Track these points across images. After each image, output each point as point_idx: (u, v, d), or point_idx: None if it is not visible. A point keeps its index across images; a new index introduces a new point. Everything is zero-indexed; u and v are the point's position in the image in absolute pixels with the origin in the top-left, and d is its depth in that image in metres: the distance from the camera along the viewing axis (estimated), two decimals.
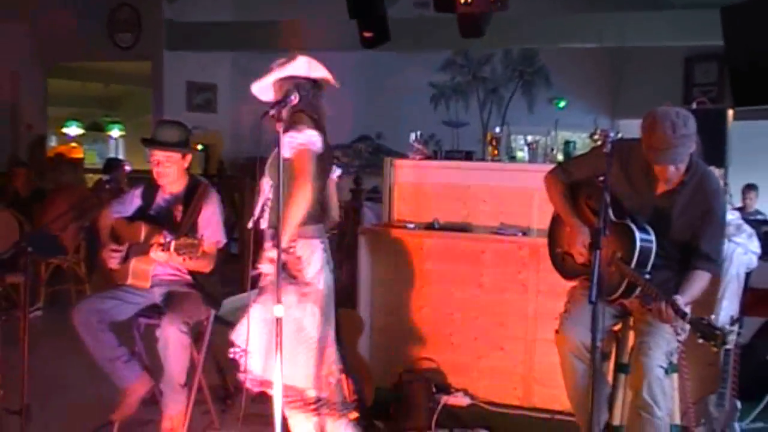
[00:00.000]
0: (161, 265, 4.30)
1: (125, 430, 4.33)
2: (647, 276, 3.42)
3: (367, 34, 8.41)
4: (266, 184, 3.70)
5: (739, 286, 4.33)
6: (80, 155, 13.84)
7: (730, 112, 4.79)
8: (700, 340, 3.20)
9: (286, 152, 3.48)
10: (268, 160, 3.71)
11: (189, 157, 4.45)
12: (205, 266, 4.29)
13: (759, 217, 8.25)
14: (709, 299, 3.46)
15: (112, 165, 9.45)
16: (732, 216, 4.37)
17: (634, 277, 3.43)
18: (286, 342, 3.30)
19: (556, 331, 3.70)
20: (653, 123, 3.37)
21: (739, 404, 4.04)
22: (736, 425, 4.04)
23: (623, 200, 3.63)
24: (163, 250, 4.02)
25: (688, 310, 3.26)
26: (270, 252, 3.57)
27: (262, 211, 3.70)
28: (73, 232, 7.42)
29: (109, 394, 4.31)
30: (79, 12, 12.18)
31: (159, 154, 4.34)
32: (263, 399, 3.48)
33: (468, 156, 5.53)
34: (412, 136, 5.35)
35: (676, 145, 3.34)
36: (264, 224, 3.70)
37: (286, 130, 3.42)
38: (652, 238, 3.50)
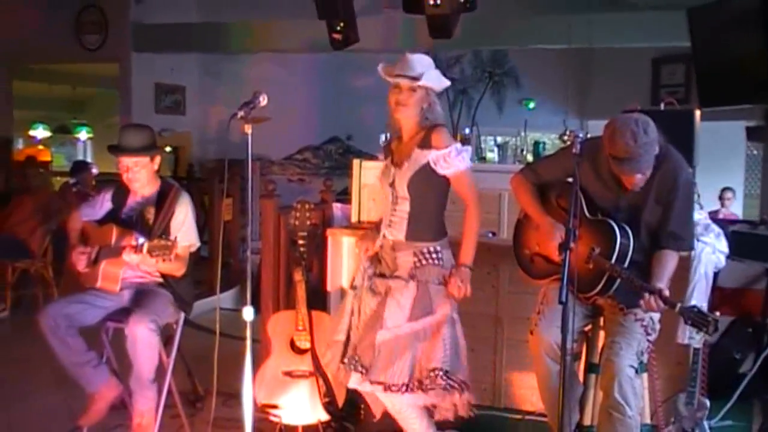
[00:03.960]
0: (131, 268, 4.26)
1: None
2: (627, 271, 3.43)
3: (336, 35, 8.39)
4: (391, 194, 3.81)
5: (707, 285, 4.36)
6: (47, 158, 13.72)
7: (698, 113, 4.83)
8: (687, 331, 3.22)
9: (462, 165, 3.70)
10: (389, 168, 3.85)
11: (158, 159, 4.41)
12: (178, 269, 4.26)
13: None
14: (677, 299, 3.46)
15: (78, 168, 9.37)
16: (700, 216, 4.40)
17: (616, 271, 3.43)
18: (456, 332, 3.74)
19: (531, 332, 3.70)
20: (613, 134, 3.38)
21: (708, 402, 4.07)
22: (705, 423, 4.07)
23: (595, 198, 3.65)
24: (135, 252, 4.00)
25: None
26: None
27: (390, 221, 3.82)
28: (39, 235, 7.36)
29: (76, 399, 4.26)
30: (45, 13, 12.06)
31: (127, 161, 4.30)
32: (233, 403, 3.45)
33: None
34: (382, 138, 5.34)
35: (640, 154, 3.36)
36: (398, 235, 3.78)
37: (437, 147, 3.68)
38: (630, 234, 3.52)
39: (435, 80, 3.76)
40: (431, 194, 3.76)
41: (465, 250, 3.76)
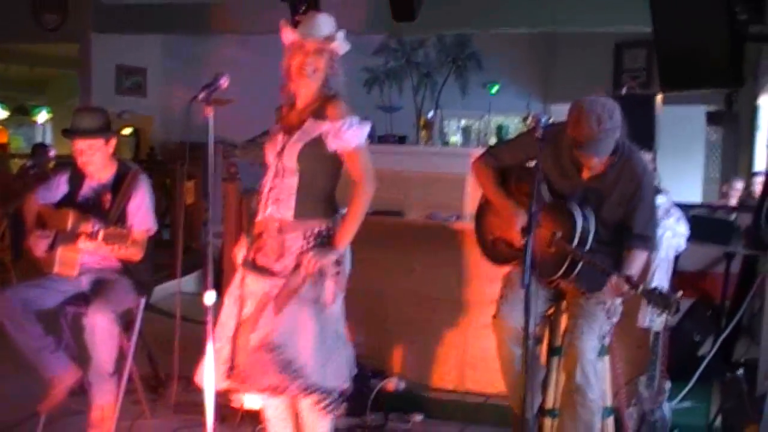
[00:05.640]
0: (89, 252, 4.20)
1: (53, 421, 4.23)
2: (588, 254, 3.46)
3: (298, 18, 8.32)
4: (276, 166, 3.45)
5: (668, 268, 4.40)
6: (4, 140, 13.50)
7: (659, 98, 4.86)
8: (648, 314, 3.25)
9: (354, 141, 3.38)
10: (277, 136, 3.50)
11: (113, 141, 4.34)
12: (135, 254, 4.20)
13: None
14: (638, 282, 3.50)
15: (37, 150, 9.25)
16: (661, 200, 4.43)
17: (577, 254, 3.45)
18: (333, 341, 3.38)
19: (494, 317, 3.71)
20: (579, 115, 3.39)
21: (668, 384, 4.11)
22: (666, 405, 4.11)
23: (554, 183, 3.66)
24: (91, 239, 3.93)
25: None
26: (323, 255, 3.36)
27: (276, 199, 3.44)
28: None
29: (34, 385, 4.20)
30: None
31: (81, 143, 4.23)
32: (194, 387, 3.42)
33: (401, 141, 5.52)
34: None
35: (601, 138, 3.38)
36: (285, 213, 3.42)
37: (333, 118, 3.36)
38: (591, 218, 3.54)
39: (343, 44, 3.45)
40: (322, 169, 3.44)
41: (343, 232, 3.42)
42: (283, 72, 3.47)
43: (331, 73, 3.44)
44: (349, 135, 3.38)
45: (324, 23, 3.43)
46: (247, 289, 3.44)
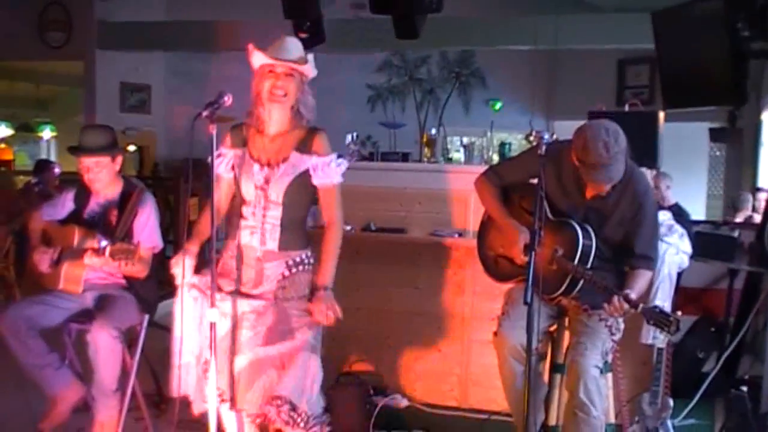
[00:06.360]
0: (93, 269, 4.21)
1: None
2: (590, 272, 3.46)
3: (302, 35, 8.34)
4: (261, 198, 3.42)
5: (671, 285, 4.40)
6: (10, 157, 13.53)
7: (662, 115, 4.87)
8: (651, 331, 3.24)
9: (336, 178, 3.43)
10: (248, 164, 3.44)
11: (119, 158, 4.36)
12: (141, 271, 4.21)
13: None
14: (640, 299, 3.49)
15: (41, 167, 9.26)
16: (664, 216, 4.44)
17: (578, 272, 3.45)
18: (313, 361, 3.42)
19: (495, 333, 3.71)
20: (585, 143, 3.39)
21: (671, 402, 4.10)
22: (669, 422, 4.10)
23: (556, 201, 3.66)
24: (97, 255, 3.94)
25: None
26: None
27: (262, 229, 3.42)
28: (1, 236, 7.24)
29: (37, 402, 4.20)
30: (7, 10, 11.89)
31: (87, 161, 4.25)
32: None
33: (404, 158, 5.53)
34: (349, 138, 5.33)
35: (611, 163, 3.38)
36: (270, 245, 3.42)
37: (318, 153, 3.40)
38: (593, 236, 3.54)
39: (312, 67, 3.42)
40: (303, 201, 3.46)
41: (326, 270, 3.44)
42: (253, 96, 3.43)
43: (301, 96, 3.41)
44: (334, 171, 3.42)
45: (294, 46, 3.40)
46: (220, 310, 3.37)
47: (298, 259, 3.45)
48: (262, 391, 3.34)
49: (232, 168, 3.47)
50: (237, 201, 3.49)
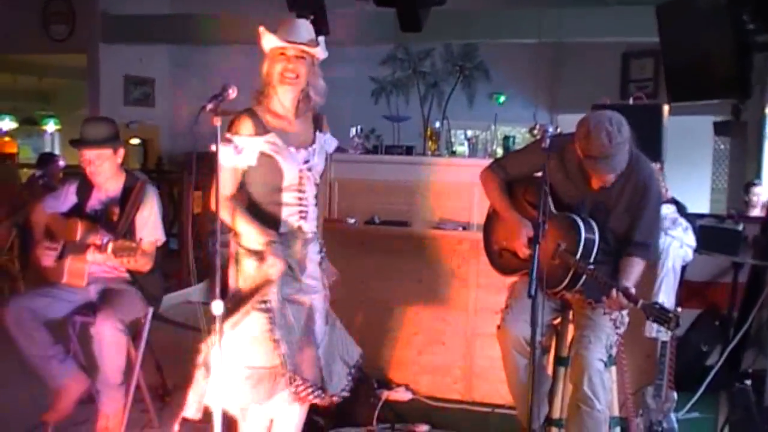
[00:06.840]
0: (97, 263, 4.21)
1: (60, 430, 4.24)
2: (591, 267, 3.45)
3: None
4: (309, 180, 3.47)
5: (675, 279, 4.39)
6: (14, 150, 13.54)
7: (666, 108, 4.85)
8: (654, 324, 3.23)
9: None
10: (284, 147, 3.40)
11: (121, 151, 4.35)
12: (144, 265, 4.21)
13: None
14: (645, 293, 3.49)
15: (45, 160, 9.26)
16: (668, 210, 4.43)
17: (580, 267, 3.44)
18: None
19: (498, 327, 3.71)
20: (588, 133, 3.37)
21: (675, 395, 4.10)
22: (673, 415, 4.10)
23: (561, 195, 3.66)
24: (100, 251, 3.94)
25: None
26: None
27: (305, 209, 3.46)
28: (5, 228, 7.25)
29: (42, 394, 4.21)
30: (11, 3, 11.89)
31: (89, 153, 4.25)
32: None
33: (408, 151, 5.53)
34: (353, 131, 5.33)
35: (614, 153, 3.37)
36: (312, 226, 3.51)
37: (326, 129, 3.54)
38: (596, 230, 3.53)
39: (323, 49, 3.46)
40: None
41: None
42: (263, 78, 3.46)
43: (312, 79, 3.44)
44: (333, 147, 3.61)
45: (305, 28, 3.42)
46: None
47: (321, 241, 3.60)
48: (345, 369, 3.58)
49: (262, 155, 3.39)
50: (246, 190, 3.45)
